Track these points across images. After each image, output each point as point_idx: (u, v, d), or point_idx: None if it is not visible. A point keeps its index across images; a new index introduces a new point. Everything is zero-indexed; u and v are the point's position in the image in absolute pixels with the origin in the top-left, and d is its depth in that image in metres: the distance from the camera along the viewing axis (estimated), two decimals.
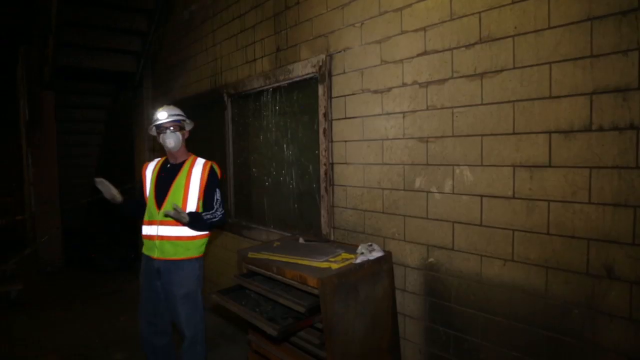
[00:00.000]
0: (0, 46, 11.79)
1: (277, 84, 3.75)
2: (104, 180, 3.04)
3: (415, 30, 2.56)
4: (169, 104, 3.31)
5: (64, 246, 7.56)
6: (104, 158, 9.40)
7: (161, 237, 3.01)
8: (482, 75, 2.24)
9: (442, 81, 2.43)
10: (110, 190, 3.06)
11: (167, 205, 2.99)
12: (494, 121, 2.21)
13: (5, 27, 11.31)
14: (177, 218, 2.77)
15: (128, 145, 7.59)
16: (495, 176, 2.22)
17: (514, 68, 2.11)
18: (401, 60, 2.65)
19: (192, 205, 3.03)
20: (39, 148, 7.37)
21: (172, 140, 3.04)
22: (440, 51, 2.44)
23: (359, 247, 2.60)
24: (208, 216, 2.96)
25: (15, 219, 9.38)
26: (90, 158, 9.51)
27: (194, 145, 5.33)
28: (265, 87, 3.91)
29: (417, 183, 2.61)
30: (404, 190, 2.70)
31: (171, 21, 5.80)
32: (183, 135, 3.12)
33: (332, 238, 3.23)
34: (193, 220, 2.87)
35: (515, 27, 2.09)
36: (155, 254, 3.03)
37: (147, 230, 3.11)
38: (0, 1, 10.42)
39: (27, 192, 7.92)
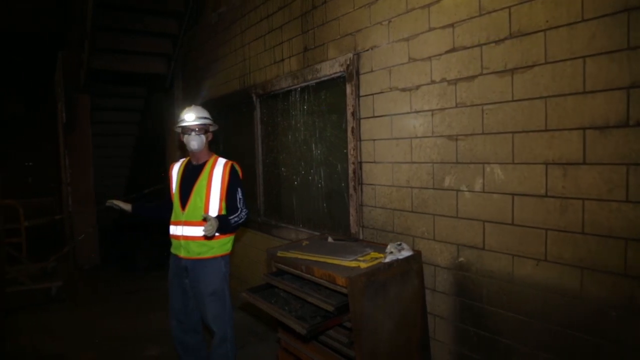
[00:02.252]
0: (41, 52, 12.25)
1: (305, 84, 3.76)
2: (112, 201, 3.33)
3: (443, 27, 2.52)
4: (197, 104, 3.36)
5: (99, 245, 7.78)
6: (137, 159, 9.61)
7: (186, 237, 3.07)
8: (512, 71, 2.19)
9: (472, 78, 2.39)
10: (119, 207, 3.30)
11: (190, 207, 3.06)
12: (525, 118, 2.16)
13: (46, 35, 11.74)
14: (213, 228, 2.78)
15: (159, 146, 7.76)
16: (527, 174, 2.17)
17: (546, 63, 2.06)
18: (429, 58, 2.62)
19: (214, 205, 3.07)
20: (75, 149, 7.60)
21: (195, 143, 3.09)
22: (469, 47, 2.40)
23: (388, 246, 2.58)
24: (235, 219, 2.99)
25: (54, 219, 9.69)
26: (123, 159, 9.73)
27: (224, 146, 5.43)
28: (293, 87, 3.93)
29: (447, 181, 2.58)
30: (433, 188, 2.67)
31: (200, 24, 5.89)
32: (207, 137, 3.17)
33: (360, 237, 3.22)
34: (222, 226, 2.90)
35: (547, 21, 2.04)
36: (182, 253, 3.09)
37: (173, 230, 3.18)
38: (42, 10, 10.81)
39: (65, 192, 8.16)
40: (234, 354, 3.17)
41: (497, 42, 2.25)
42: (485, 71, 2.32)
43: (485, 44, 2.31)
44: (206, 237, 2.92)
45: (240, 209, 3.05)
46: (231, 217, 2.98)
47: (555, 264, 2.08)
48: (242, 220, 3.04)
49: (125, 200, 3.36)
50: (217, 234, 3.05)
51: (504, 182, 2.28)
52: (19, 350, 4.14)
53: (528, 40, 2.11)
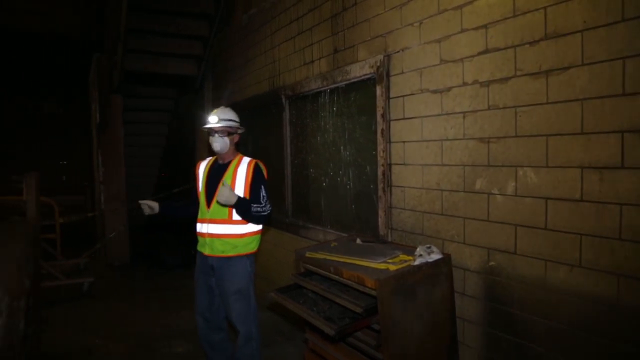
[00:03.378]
0: (76, 55, 12.64)
1: (335, 85, 3.76)
2: (142, 202, 3.30)
3: (476, 28, 2.50)
4: (226, 105, 3.40)
5: (129, 243, 7.95)
6: (167, 159, 9.78)
7: (211, 235, 3.12)
8: (547, 72, 2.15)
9: (505, 80, 2.36)
10: (148, 205, 3.29)
11: (214, 205, 3.10)
12: (560, 120, 2.11)
13: (82, 38, 12.10)
14: (227, 196, 2.90)
15: (189, 146, 7.87)
16: (562, 178, 2.12)
17: (583, 64, 2.01)
18: (461, 59, 2.60)
19: None
20: (107, 149, 7.79)
21: (218, 144, 3.13)
22: (502, 49, 2.36)
23: (417, 249, 2.57)
24: (257, 209, 3.03)
25: (87, 216, 9.95)
26: (154, 159, 9.92)
27: (252, 146, 5.49)
28: (323, 89, 3.94)
29: (478, 184, 2.54)
30: (464, 191, 2.64)
31: (231, 26, 5.96)
32: (232, 139, 3.19)
33: (389, 239, 3.21)
34: (241, 206, 2.98)
35: (585, 22, 1.99)
36: (207, 251, 3.14)
37: (199, 227, 3.23)
38: (79, 14, 11.16)
39: (97, 190, 8.38)
40: (259, 352, 3.20)
41: (531, 43, 2.21)
42: (518, 73, 2.29)
43: (519, 45, 2.27)
44: (219, 204, 2.98)
45: (263, 204, 3.08)
46: (254, 205, 3.02)
47: (590, 271, 2.03)
48: (264, 213, 3.07)
49: (154, 200, 3.41)
50: (242, 232, 3.09)
51: (537, 186, 2.24)
52: (53, 343, 4.27)
53: (564, 42, 2.07)
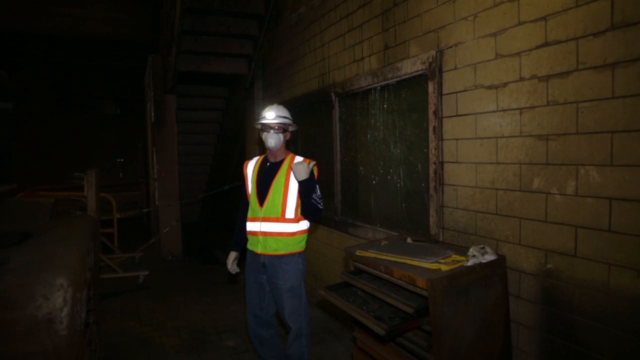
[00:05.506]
0: (132, 57, 13.18)
1: (385, 82, 3.72)
2: (230, 268, 3.41)
3: (534, 20, 2.40)
4: (278, 103, 3.42)
5: (182, 238, 8.18)
6: (218, 157, 9.98)
7: (264, 233, 3.13)
8: (613, 65, 2.04)
9: (566, 74, 2.25)
10: (232, 262, 3.41)
11: (268, 203, 3.12)
12: (627, 116, 1.99)
13: (137, 40, 12.62)
14: (305, 170, 2.98)
15: (239, 144, 8.01)
16: (629, 177, 2.00)
17: None
18: (518, 53, 2.50)
19: (292, 201, 3.12)
20: (162, 147, 8.06)
21: (273, 141, 3.14)
22: (563, 41, 2.26)
23: (471, 249, 2.50)
24: (316, 198, 3.07)
25: (142, 212, 10.34)
26: (205, 156, 10.15)
27: (301, 144, 5.52)
28: (373, 86, 3.90)
29: (535, 183, 2.44)
30: (520, 191, 2.54)
31: (280, 24, 6.01)
32: (285, 136, 3.21)
33: (440, 239, 3.14)
34: (307, 189, 3.03)
35: None
36: (259, 249, 3.16)
37: (251, 226, 3.24)
38: (135, 18, 11.64)
39: (152, 187, 8.68)
40: (308, 349, 3.21)
41: (595, 34, 2.10)
42: (581, 66, 2.17)
43: (581, 37, 2.16)
44: (293, 169, 3.03)
45: (318, 200, 3.11)
46: (314, 195, 3.06)
47: None
48: (320, 206, 3.10)
49: (227, 251, 3.48)
50: (294, 230, 3.11)
51: (600, 185, 2.13)
52: (110, 333, 4.46)
53: (633, 31, 1.95)
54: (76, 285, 2.07)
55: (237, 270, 3.38)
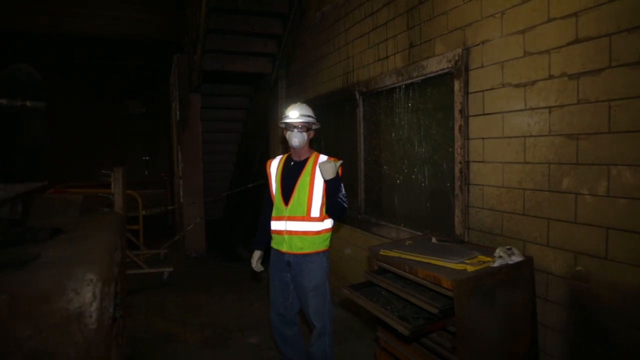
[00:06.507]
0: (158, 57, 13.39)
1: (410, 81, 3.69)
2: (254, 267, 3.41)
3: (565, 17, 2.34)
4: (302, 102, 3.42)
5: (205, 235, 8.27)
6: (242, 155, 10.05)
7: (289, 232, 3.14)
8: None
9: (597, 72, 2.19)
10: (256, 261, 3.41)
11: (293, 202, 3.12)
12: None
13: (163, 41, 12.81)
14: (333, 169, 2.99)
15: (263, 142, 8.04)
16: None
17: None
18: (547, 51, 2.45)
19: (317, 200, 3.12)
20: (187, 145, 8.16)
21: (296, 140, 3.14)
22: (595, 38, 2.20)
23: (497, 250, 2.46)
24: (342, 197, 3.07)
25: (167, 209, 10.50)
26: (229, 155, 10.22)
27: (325, 143, 5.51)
28: (398, 84, 3.88)
29: (565, 184, 2.39)
30: (548, 191, 2.49)
31: (304, 23, 6.02)
32: (308, 135, 3.21)
33: (465, 239, 3.10)
34: (336, 188, 3.03)
35: None
36: (284, 248, 3.16)
37: (275, 225, 3.25)
38: (159, 18, 11.83)
39: (177, 185, 8.79)
40: (331, 348, 3.21)
41: (630, 30, 2.04)
42: (614, 63, 2.12)
43: (615, 34, 2.11)
44: (320, 168, 3.04)
45: (344, 199, 3.10)
46: (340, 194, 3.06)
47: None
48: (345, 205, 3.09)
49: (249, 248, 3.50)
50: (319, 228, 3.11)
51: (633, 186, 2.07)
52: (135, 327, 4.53)
53: None
54: (105, 280, 2.11)
55: (262, 268, 3.40)
